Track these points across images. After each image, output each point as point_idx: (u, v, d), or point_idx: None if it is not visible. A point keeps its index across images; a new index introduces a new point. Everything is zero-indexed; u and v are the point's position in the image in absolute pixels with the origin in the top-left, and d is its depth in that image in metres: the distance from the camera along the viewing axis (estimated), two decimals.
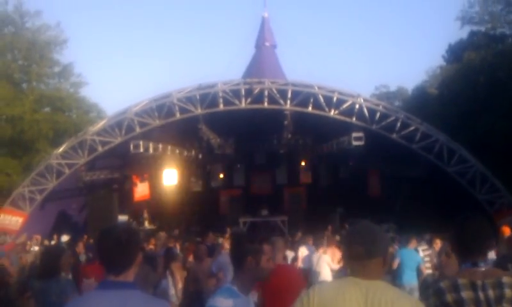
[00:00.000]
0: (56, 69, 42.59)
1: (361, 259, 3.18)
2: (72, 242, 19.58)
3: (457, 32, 47.49)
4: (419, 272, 13.34)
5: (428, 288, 3.51)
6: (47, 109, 40.75)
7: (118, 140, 24.37)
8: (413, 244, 14.26)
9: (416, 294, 12.77)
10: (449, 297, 3.36)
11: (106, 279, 3.28)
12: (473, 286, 3.35)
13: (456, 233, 3.65)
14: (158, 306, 3.33)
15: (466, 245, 3.55)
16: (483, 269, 3.46)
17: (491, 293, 3.32)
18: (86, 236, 21.79)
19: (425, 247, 15.22)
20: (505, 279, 3.38)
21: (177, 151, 27.31)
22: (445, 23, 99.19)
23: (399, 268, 13.21)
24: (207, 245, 15.13)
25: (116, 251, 3.28)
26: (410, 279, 13.07)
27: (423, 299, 3.47)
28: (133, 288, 3.29)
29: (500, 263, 6.13)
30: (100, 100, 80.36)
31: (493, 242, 3.89)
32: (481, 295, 3.32)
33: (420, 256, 13.95)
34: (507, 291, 3.32)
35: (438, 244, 15.65)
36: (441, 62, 51.31)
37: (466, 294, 3.33)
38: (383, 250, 3.23)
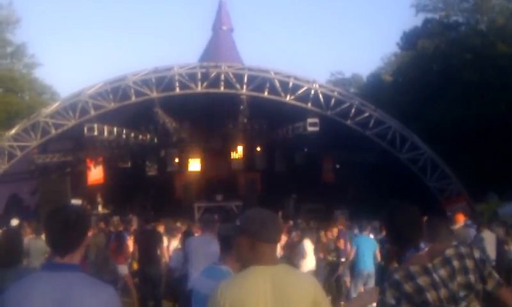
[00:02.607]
0: (9, 49, 41.79)
1: (277, 242, 3.44)
2: (21, 226, 19.29)
3: (412, 20, 48.16)
4: (375, 257, 13.50)
5: (382, 283, 3.55)
6: None
7: (72, 123, 24.01)
8: (367, 230, 14.50)
9: (372, 281, 13.06)
10: (407, 287, 3.40)
11: (51, 260, 3.26)
12: (426, 271, 3.41)
13: (392, 222, 3.66)
14: (103, 290, 3.26)
15: (401, 233, 3.57)
16: (426, 250, 3.52)
17: (442, 272, 3.40)
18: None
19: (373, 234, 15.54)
20: (448, 252, 3.47)
21: (132, 134, 27.07)
22: (400, 10, 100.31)
23: (357, 254, 13.33)
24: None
25: (62, 232, 3.25)
26: (368, 266, 13.21)
27: (380, 293, 3.53)
28: (78, 271, 3.27)
29: None
30: (53, 81, 79.17)
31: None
32: (435, 277, 3.39)
33: (375, 241, 14.15)
34: (455, 264, 3.42)
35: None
36: (396, 49, 52.06)
37: (422, 280, 3.39)
38: (278, 238, 3.49)
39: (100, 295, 3.21)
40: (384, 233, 14.48)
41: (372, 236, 14.87)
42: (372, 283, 12.96)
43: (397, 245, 3.66)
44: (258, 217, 3.41)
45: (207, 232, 9.12)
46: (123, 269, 13.86)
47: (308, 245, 13.79)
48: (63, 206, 3.70)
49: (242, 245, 3.35)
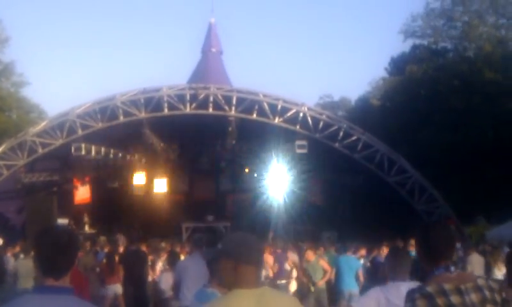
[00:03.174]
0: None
1: (260, 265, 3.46)
2: (5, 246, 19.12)
3: (400, 45, 48.42)
4: (358, 278, 13.48)
5: (412, 292, 3.52)
6: None
7: (59, 142, 23.92)
8: (350, 251, 14.49)
9: (356, 300, 13.01)
10: (439, 301, 3.40)
11: (43, 283, 3.17)
12: (459, 291, 3.42)
13: (426, 238, 3.67)
14: None
15: (437, 250, 3.59)
16: (455, 274, 3.54)
17: (474, 297, 3.41)
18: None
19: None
20: (480, 282, 3.50)
21: (120, 155, 26.99)
22: (389, 36, 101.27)
23: (338, 274, 13.33)
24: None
25: (56, 254, 3.15)
26: (350, 285, 13.21)
27: (407, 301, 3.52)
28: (70, 294, 3.18)
29: None
30: (41, 100, 78.65)
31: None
32: (467, 299, 3.40)
33: (358, 261, 14.14)
34: (487, 294, 3.44)
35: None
36: (384, 74, 52.31)
37: (455, 299, 3.40)
38: (261, 262, 3.52)
39: None
40: (413, 249, 14.37)
41: (354, 256, 14.87)
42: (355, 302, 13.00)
43: (428, 261, 3.65)
44: (240, 241, 3.40)
45: (196, 252, 9.16)
46: (117, 289, 13.76)
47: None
48: (52, 226, 3.64)
49: (224, 268, 3.33)
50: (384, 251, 15.49)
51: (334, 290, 13.54)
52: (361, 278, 13.52)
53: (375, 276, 13.53)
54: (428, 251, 3.64)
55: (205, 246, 9.27)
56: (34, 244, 3.31)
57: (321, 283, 13.57)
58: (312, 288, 13.59)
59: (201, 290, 4.84)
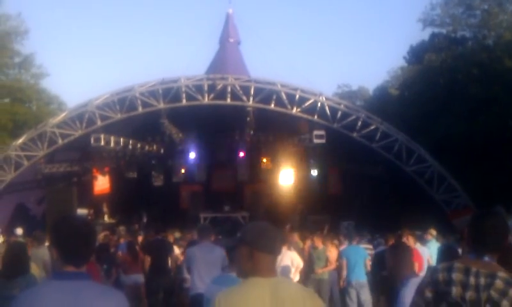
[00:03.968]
0: (17, 59, 41.91)
1: (276, 254, 3.46)
2: (26, 235, 19.32)
3: (419, 34, 48.17)
4: (366, 267, 13.45)
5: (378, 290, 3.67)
6: (7, 100, 40.10)
7: (79, 133, 24.12)
8: (356, 240, 14.50)
9: (366, 290, 13.02)
10: (440, 276, 3.48)
11: (64, 269, 3.26)
12: (466, 271, 3.45)
13: (474, 225, 3.69)
14: (113, 297, 3.31)
15: (481, 239, 3.59)
16: (484, 261, 3.53)
17: (482, 280, 3.40)
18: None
19: (368, 245, 15.51)
20: (500, 274, 3.46)
21: (139, 145, 27.15)
22: (407, 24, 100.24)
23: (348, 265, 13.30)
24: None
25: (78, 242, 3.27)
26: (358, 276, 13.18)
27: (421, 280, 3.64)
28: (87, 279, 3.30)
29: None
30: (61, 92, 79.30)
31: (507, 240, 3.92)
32: (472, 279, 3.41)
33: (365, 251, 14.10)
34: (498, 282, 3.40)
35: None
36: (403, 63, 51.97)
37: (456, 276, 3.44)
38: (279, 250, 3.55)
39: (110, 301, 3.26)
40: (431, 237, 14.25)
41: (362, 246, 14.86)
42: (365, 293, 12.99)
43: (474, 249, 3.66)
44: (257, 228, 3.48)
45: (204, 240, 9.33)
46: (139, 278, 13.90)
47: (295, 258, 13.61)
48: (71, 215, 3.72)
49: (242, 255, 3.39)
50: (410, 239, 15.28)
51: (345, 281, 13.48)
52: (368, 267, 13.51)
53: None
54: (474, 239, 3.65)
55: (224, 236, 9.44)
56: (55, 233, 3.39)
57: (320, 271, 13.56)
58: (313, 276, 13.63)
59: (222, 275, 4.91)
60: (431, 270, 3.62)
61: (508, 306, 3.39)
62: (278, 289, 3.28)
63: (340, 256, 14.04)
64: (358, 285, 13.03)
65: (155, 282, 13.42)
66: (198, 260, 8.96)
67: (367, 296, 13.04)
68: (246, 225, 3.69)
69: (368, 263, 13.55)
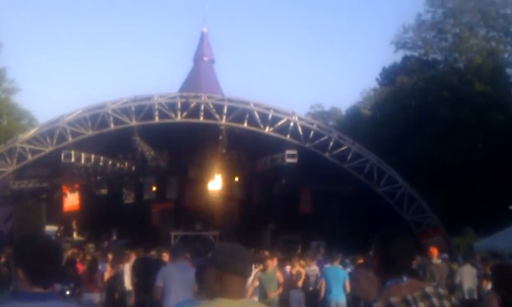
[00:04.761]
0: None
1: (246, 277, 3.40)
2: None
3: (391, 56, 48.74)
4: (345, 288, 13.43)
5: None
6: None
7: (49, 149, 23.86)
8: (337, 261, 14.46)
9: None
10: None
11: (29, 290, 3.13)
12: (406, 302, 3.43)
13: (384, 249, 3.66)
14: None
15: (394, 262, 3.57)
16: (406, 283, 3.53)
17: (421, 305, 3.42)
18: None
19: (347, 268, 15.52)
20: (428, 290, 3.51)
21: (110, 162, 26.95)
22: (380, 47, 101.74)
23: (326, 285, 13.30)
24: None
25: (46, 264, 3.15)
26: (337, 296, 13.17)
27: None
28: (55, 299, 3.21)
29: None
30: (32, 107, 78.42)
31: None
32: None
33: (345, 272, 14.09)
34: (435, 301, 3.45)
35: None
36: (375, 84, 52.58)
37: None
38: (249, 272, 3.55)
39: None
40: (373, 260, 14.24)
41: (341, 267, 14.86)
42: None
43: (385, 272, 3.65)
44: (228, 250, 3.42)
45: (178, 260, 9.23)
46: (94, 297, 13.68)
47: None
48: (36, 235, 3.63)
49: (211, 276, 3.35)
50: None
51: (323, 301, 13.46)
52: (348, 289, 13.47)
53: None
54: (387, 263, 3.62)
55: (193, 255, 9.36)
56: (20, 253, 3.24)
57: (273, 295, 13.00)
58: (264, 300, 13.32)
59: (189, 300, 4.82)
60: None
61: None
62: None
63: (319, 276, 14.02)
64: (336, 305, 13.01)
65: (142, 299, 13.28)
66: (175, 280, 8.82)
67: None
68: (216, 246, 3.67)
69: (348, 284, 13.51)
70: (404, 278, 3.56)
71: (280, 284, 13.62)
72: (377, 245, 3.74)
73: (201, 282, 4.71)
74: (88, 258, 18.21)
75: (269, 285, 13.12)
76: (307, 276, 15.62)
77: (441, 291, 3.58)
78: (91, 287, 13.60)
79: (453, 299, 3.47)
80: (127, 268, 15.76)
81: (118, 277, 15.59)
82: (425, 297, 3.48)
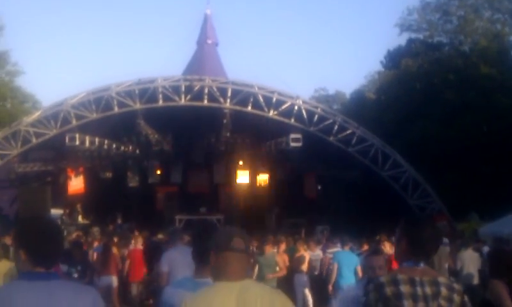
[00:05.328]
0: None
1: (239, 251, 3.38)
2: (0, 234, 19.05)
3: (396, 39, 48.64)
4: (356, 273, 13.42)
5: (369, 283, 3.58)
6: None
7: (53, 132, 23.89)
8: (348, 246, 14.42)
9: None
10: (388, 291, 3.44)
11: (32, 270, 3.21)
12: (411, 282, 3.45)
13: (414, 232, 3.64)
14: (87, 294, 3.28)
15: (422, 246, 3.58)
16: (422, 268, 3.55)
17: (428, 289, 3.43)
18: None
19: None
20: (441, 279, 3.53)
21: (114, 145, 26.93)
22: (384, 29, 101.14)
23: (338, 269, 13.27)
24: None
25: (48, 245, 3.24)
26: (348, 281, 13.16)
27: (364, 294, 3.58)
28: (57, 278, 3.28)
29: None
30: (36, 90, 78.54)
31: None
32: (419, 290, 3.42)
33: (357, 257, 14.08)
34: (443, 290, 3.45)
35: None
36: (380, 67, 52.33)
37: (404, 288, 3.43)
38: (250, 250, 3.50)
39: (85, 299, 3.23)
40: (387, 249, 14.21)
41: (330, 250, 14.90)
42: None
43: (406, 255, 3.64)
44: (223, 231, 3.56)
45: (178, 243, 9.24)
46: (111, 280, 13.78)
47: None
48: (37, 217, 3.68)
49: (212, 258, 3.39)
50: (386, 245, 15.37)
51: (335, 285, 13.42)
52: (360, 274, 13.46)
53: None
54: (416, 247, 3.61)
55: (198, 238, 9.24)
56: (22, 235, 3.33)
57: (270, 277, 13.06)
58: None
59: (186, 279, 4.74)
60: (376, 285, 3.53)
61: None
62: (244, 292, 3.25)
63: (331, 260, 14.00)
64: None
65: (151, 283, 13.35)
66: (180, 264, 8.79)
67: None
68: (217, 230, 3.69)
69: (359, 269, 13.50)
70: (421, 264, 3.57)
71: (282, 268, 13.67)
72: (406, 230, 3.72)
73: (200, 261, 4.60)
74: (94, 241, 18.34)
75: (267, 268, 13.25)
76: (310, 260, 15.63)
77: (456, 285, 3.57)
78: (108, 270, 13.70)
79: (465, 297, 3.42)
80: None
81: (124, 261, 15.63)
82: (435, 284, 3.47)
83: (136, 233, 19.55)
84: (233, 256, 3.35)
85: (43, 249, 3.22)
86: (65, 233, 22.67)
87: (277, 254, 13.92)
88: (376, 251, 7.20)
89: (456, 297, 3.49)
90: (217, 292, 3.30)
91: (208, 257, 4.27)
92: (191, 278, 4.56)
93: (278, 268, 13.50)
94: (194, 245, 4.53)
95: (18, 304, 3.08)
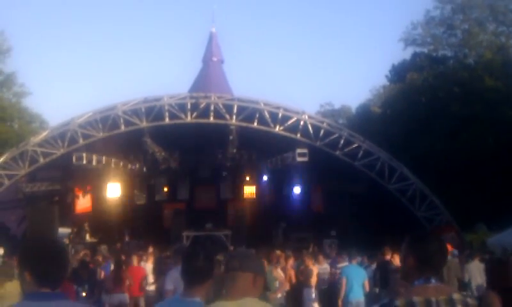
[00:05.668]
0: None
1: (235, 270, 3.45)
2: (8, 255, 19.13)
3: (401, 53, 48.82)
4: (364, 287, 13.42)
5: (384, 306, 3.51)
6: None
7: (61, 151, 23.98)
8: (355, 260, 14.43)
9: None
10: None
11: (38, 291, 3.20)
12: (428, 304, 3.41)
13: (420, 248, 3.62)
14: None
15: (430, 261, 3.56)
16: (434, 285, 3.51)
17: None
18: None
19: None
20: (455, 296, 3.47)
21: (121, 164, 27.03)
22: (389, 44, 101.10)
23: (347, 284, 13.27)
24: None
25: (53, 266, 3.25)
26: (357, 295, 13.18)
27: None
28: (64, 298, 3.29)
29: None
30: (43, 110, 78.82)
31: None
32: None
33: (364, 271, 14.08)
34: None
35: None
36: (385, 81, 52.46)
37: None
38: (254, 267, 3.52)
39: None
40: (396, 261, 14.12)
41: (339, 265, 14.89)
42: None
43: (414, 272, 3.63)
44: (239, 252, 3.59)
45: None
46: (125, 298, 13.82)
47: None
48: (41, 237, 3.70)
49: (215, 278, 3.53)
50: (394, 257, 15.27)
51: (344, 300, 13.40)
52: (367, 288, 13.47)
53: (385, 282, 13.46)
54: (423, 263, 3.58)
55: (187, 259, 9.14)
56: (26, 256, 3.34)
57: (273, 296, 12.44)
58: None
59: (177, 299, 4.73)
60: None
61: None
62: None
63: (339, 274, 14.01)
64: (357, 304, 13.02)
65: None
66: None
67: None
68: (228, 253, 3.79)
69: (367, 283, 13.50)
70: (433, 280, 3.53)
71: (282, 283, 13.62)
72: (412, 246, 3.69)
73: (188, 281, 4.57)
74: (100, 258, 18.37)
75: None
76: (318, 274, 15.62)
77: (470, 300, 3.53)
78: (119, 287, 13.72)
79: None
80: (149, 266, 15.88)
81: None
82: (450, 302, 3.43)
83: (150, 250, 19.60)
84: (231, 275, 3.44)
85: (47, 270, 3.23)
86: (73, 251, 22.77)
87: (273, 270, 13.51)
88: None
89: None
90: None
91: (199, 276, 4.34)
92: (178, 298, 4.57)
93: (277, 284, 13.25)
94: (183, 265, 4.49)
95: None
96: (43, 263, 3.23)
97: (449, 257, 12.81)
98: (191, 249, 4.90)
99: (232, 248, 24.98)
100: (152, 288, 15.35)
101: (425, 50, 46.45)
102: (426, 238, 3.73)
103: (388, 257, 14.53)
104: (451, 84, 37.96)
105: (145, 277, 15.48)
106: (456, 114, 35.23)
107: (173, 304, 4.38)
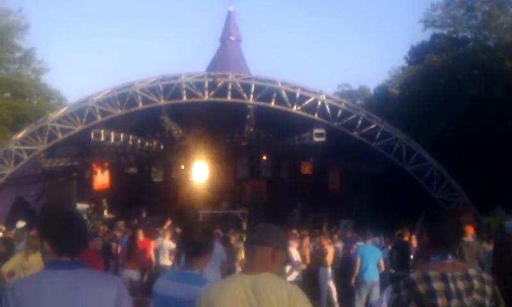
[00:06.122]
0: (17, 54, 42.07)
1: (253, 243, 3.49)
2: (28, 228, 19.35)
3: (420, 35, 48.40)
4: (379, 267, 13.47)
5: (399, 280, 3.57)
6: (7, 95, 40.22)
7: (79, 128, 24.12)
8: (370, 239, 14.45)
9: (377, 288, 13.02)
10: (421, 288, 3.44)
11: (58, 259, 3.30)
12: (443, 278, 3.46)
13: (435, 225, 3.68)
14: (112, 282, 3.36)
15: (444, 238, 3.61)
16: (451, 261, 3.57)
17: (460, 284, 3.44)
18: None
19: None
20: (471, 272, 3.53)
21: (138, 141, 27.17)
22: (408, 25, 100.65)
23: (362, 264, 13.31)
24: None
25: (71, 233, 3.33)
26: (372, 274, 13.22)
27: (394, 291, 3.55)
28: (83, 267, 3.34)
29: None
30: (61, 87, 79.35)
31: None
32: (452, 286, 3.43)
33: (379, 251, 14.12)
34: (475, 283, 3.47)
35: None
36: (404, 63, 52.12)
37: (437, 285, 3.43)
38: (273, 241, 3.50)
39: (110, 287, 3.31)
40: (412, 239, 14.12)
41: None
42: (376, 291, 12.96)
43: (431, 249, 3.67)
44: (261, 226, 3.66)
45: None
46: (133, 275, 13.84)
47: (294, 254, 13.62)
48: (60, 208, 3.75)
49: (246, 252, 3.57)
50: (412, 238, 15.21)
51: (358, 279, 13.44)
52: (383, 267, 13.51)
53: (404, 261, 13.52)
54: (437, 240, 3.64)
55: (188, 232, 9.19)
56: (46, 226, 3.42)
57: (285, 278, 12.36)
58: None
59: (177, 271, 4.81)
60: (406, 282, 3.51)
61: (489, 303, 3.49)
62: (258, 285, 3.30)
63: (354, 253, 14.05)
64: (371, 283, 13.07)
65: None
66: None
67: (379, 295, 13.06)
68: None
69: (382, 263, 13.54)
70: (450, 257, 3.59)
71: (293, 267, 13.58)
72: (427, 222, 3.76)
73: (189, 253, 4.59)
74: (118, 234, 18.53)
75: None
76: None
77: (485, 276, 3.59)
78: (130, 264, 13.78)
79: (495, 287, 3.44)
80: (166, 242, 15.93)
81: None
82: (467, 277, 3.49)
83: (168, 223, 19.65)
84: (250, 249, 3.48)
85: (66, 239, 3.30)
86: (91, 227, 23.00)
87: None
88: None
89: (488, 288, 3.52)
90: (230, 283, 3.40)
91: (198, 250, 4.40)
92: (179, 270, 4.66)
93: (287, 269, 13.25)
94: (183, 238, 4.58)
95: (45, 291, 3.16)
96: (62, 232, 3.31)
97: (471, 239, 12.83)
98: (190, 224, 4.94)
99: (244, 226, 25.15)
100: (168, 263, 15.39)
101: (445, 31, 46.01)
102: (440, 215, 3.78)
103: (406, 238, 14.59)
104: (470, 66, 37.62)
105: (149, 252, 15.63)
106: (474, 96, 34.97)
107: (175, 276, 4.49)
